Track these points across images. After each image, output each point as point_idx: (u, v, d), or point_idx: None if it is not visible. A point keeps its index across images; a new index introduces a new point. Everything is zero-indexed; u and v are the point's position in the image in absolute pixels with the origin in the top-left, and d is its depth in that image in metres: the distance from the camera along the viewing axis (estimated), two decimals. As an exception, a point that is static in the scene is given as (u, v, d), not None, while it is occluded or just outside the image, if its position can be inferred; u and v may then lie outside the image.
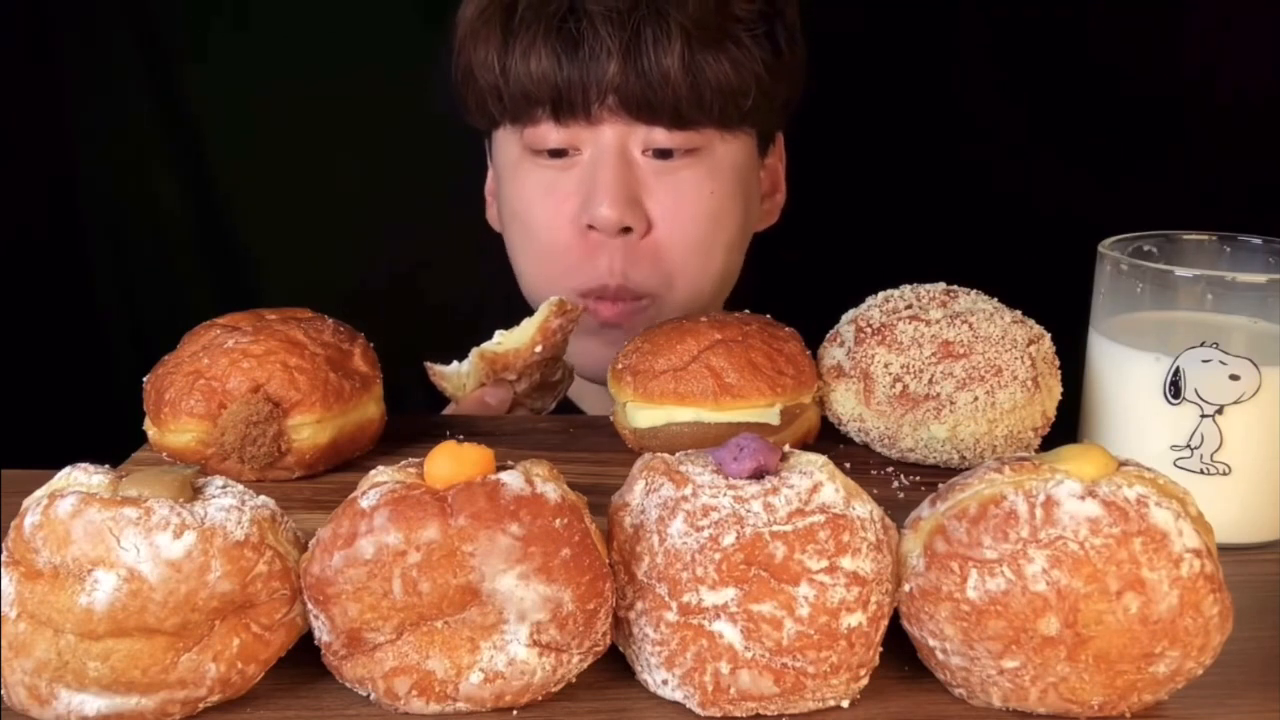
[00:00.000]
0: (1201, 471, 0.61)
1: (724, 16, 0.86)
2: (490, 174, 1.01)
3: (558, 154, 0.87)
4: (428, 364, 0.74)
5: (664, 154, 0.87)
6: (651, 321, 0.85)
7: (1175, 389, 0.61)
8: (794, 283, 1.07)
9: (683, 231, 0.88)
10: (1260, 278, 0.61)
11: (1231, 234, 0.67)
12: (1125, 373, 0.64)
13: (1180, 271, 0.63)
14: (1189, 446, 0.61)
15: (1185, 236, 0.68)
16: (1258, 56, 1.14)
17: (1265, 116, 1.12)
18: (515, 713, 0.48)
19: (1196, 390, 0.61)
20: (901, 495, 0.64)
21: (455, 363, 0.73)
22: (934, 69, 1.22)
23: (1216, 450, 0.61)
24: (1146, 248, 0.67)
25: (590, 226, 0.86)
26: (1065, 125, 1.21)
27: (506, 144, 0.91)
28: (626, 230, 0.85)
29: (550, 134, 0.87)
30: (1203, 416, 0.61)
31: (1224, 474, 0.61)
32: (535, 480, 0.46)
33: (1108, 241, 0.67)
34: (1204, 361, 0.60)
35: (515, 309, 1.09)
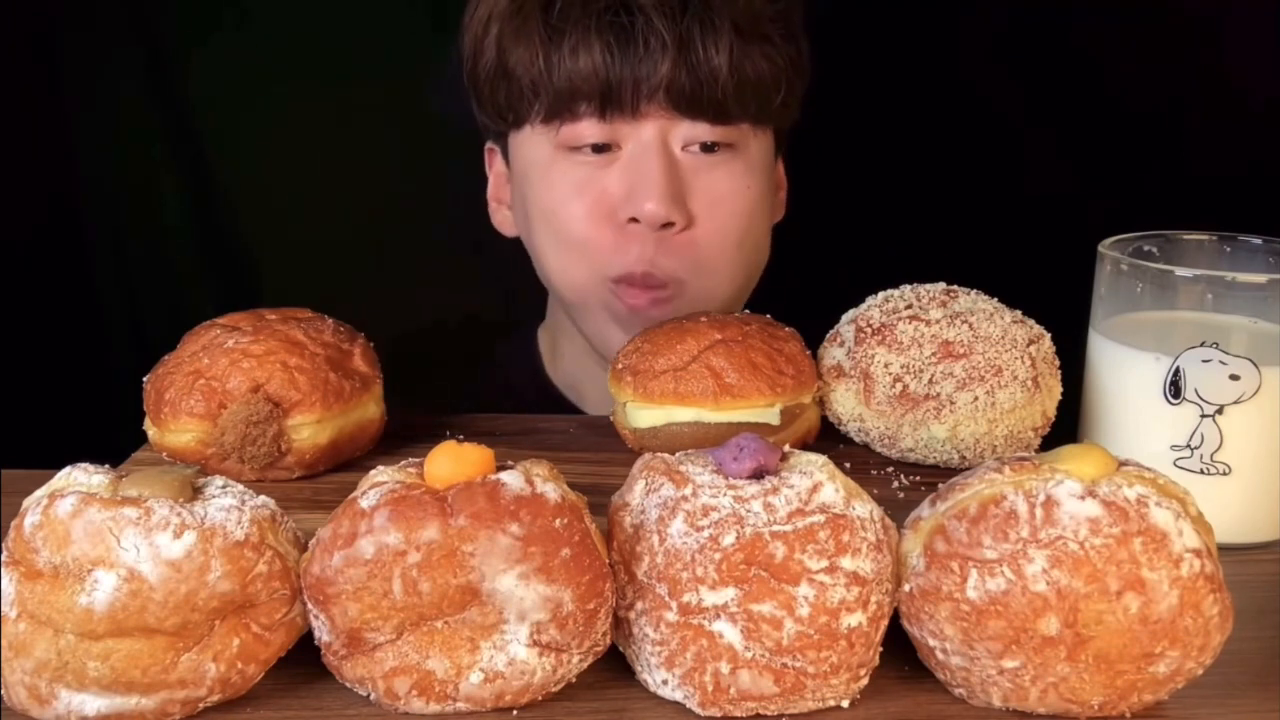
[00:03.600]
0: (1201, 471, 0.61)
1: (762, 14, 0.86)
2: (493, 181, 1.00)
3: (598, 149, 0.87)
4: None
5: (706, 149, 0.87)
6: (678, 311, 0.86)
7: (1175, 389, 0.61)
8: (794, 282, 1.07)
9: (720, 226, 0.88)
10: (1260, 278, 0.61)
11: (1231, 234, 0.67)
12: (1125, 373, 0.64)
13: (1180, 271, 0.63)
14: (1189, 446, 0.61)
15: (1185, 236, 0.68)
16: (1258, 57, 1.14)
17: (1265, 116, 1.12)
18: (515, 713, 0.48)
19: (1197, 390, 0.61)
20: (901, 495, 0.64)
21: None
22: (934, 69, 1.22)
23: (1216, 450, 0.61)
24: (1146, 248, 0.67)
25: (633, 220, 0.85)
26: (1065, 125, 1.21)
27: (532, 144, 0.89)
28: (668, 225, 0.85)
29: (591, 129, 0.85)
30: (1203, 416, 0.61)
31: (1224, 474, 0.61)
32: (535, 480, 0.46)
33: (1108, 241, 0.67)
34: (1204, 361, 0.60)
35: (515, 311, 1.09)
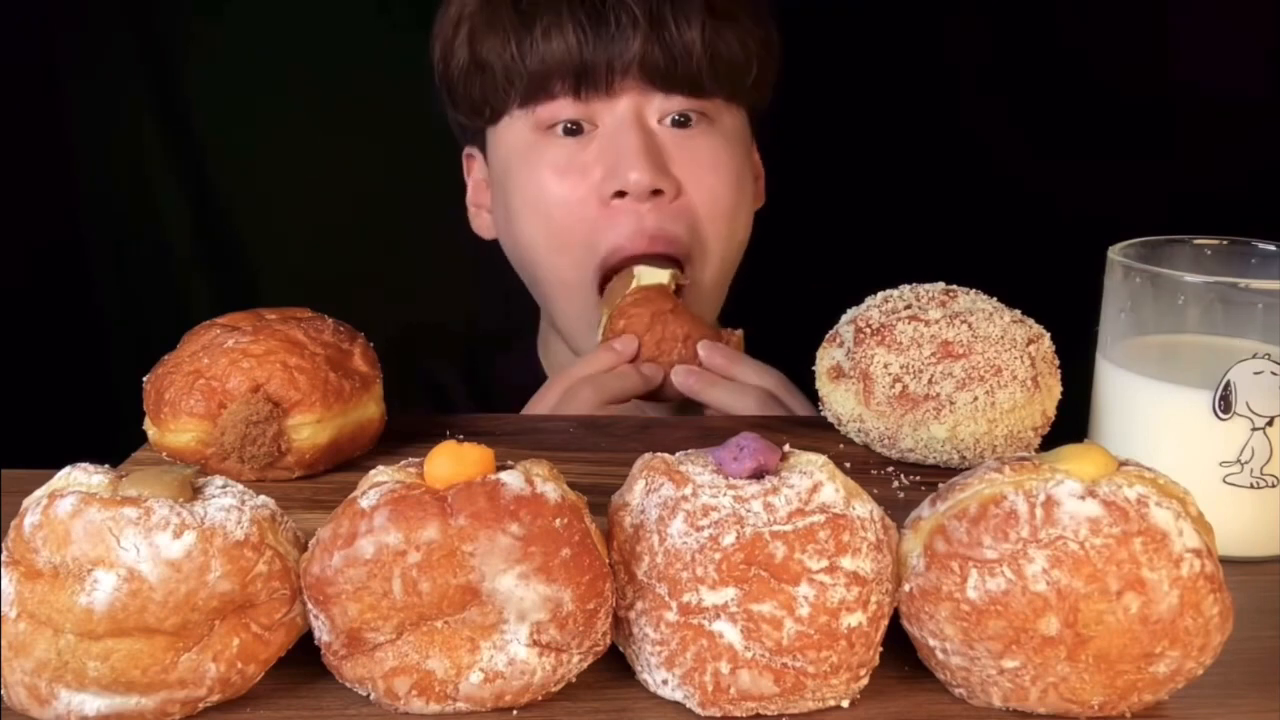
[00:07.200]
0: (1252, 486, 0.60)
1: None
2: (472, 186, 1.01)
3: (573, 131, 0.88)
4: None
5: (681, 122, 0.88)
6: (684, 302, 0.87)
7: (1225, 403, 0.59)
8: (794, 283, 1.07)
9: (712, 193, 0.89)
10: None
11: (1245, 239, 0.65)
12: (1172, 392, 0.61)
13: (1249, 284, 0.60)
14: (1239, 461, 0.60)
15: (1254, 248, 0.66)
16: (1257, 57, 1.14)
17: (1265, 116, 1.12)
18: (515, 713, 0.48)
19: (1248, 403, 0.59)
20: (901, 495, 0.64)
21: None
22: (934, 69, 1.22)
23: (1266, 463, 0.59)
24: (1166, 256, 0.65)
25: (619, 194, 0.86)
26: (1064, 124, 1.21)
27: (512, 131, 0.91)
28: (657, 193, 0.86)
29: (566, 108, 0.88)
30: (1254, 430, 0.59)
31: (1272, 486, 0.60)
32: (535, 480, 0.46)
33: (1126, 251, 0.65)
34: (1255, 374, 0.59)
35: (514, 310, 1.09)
